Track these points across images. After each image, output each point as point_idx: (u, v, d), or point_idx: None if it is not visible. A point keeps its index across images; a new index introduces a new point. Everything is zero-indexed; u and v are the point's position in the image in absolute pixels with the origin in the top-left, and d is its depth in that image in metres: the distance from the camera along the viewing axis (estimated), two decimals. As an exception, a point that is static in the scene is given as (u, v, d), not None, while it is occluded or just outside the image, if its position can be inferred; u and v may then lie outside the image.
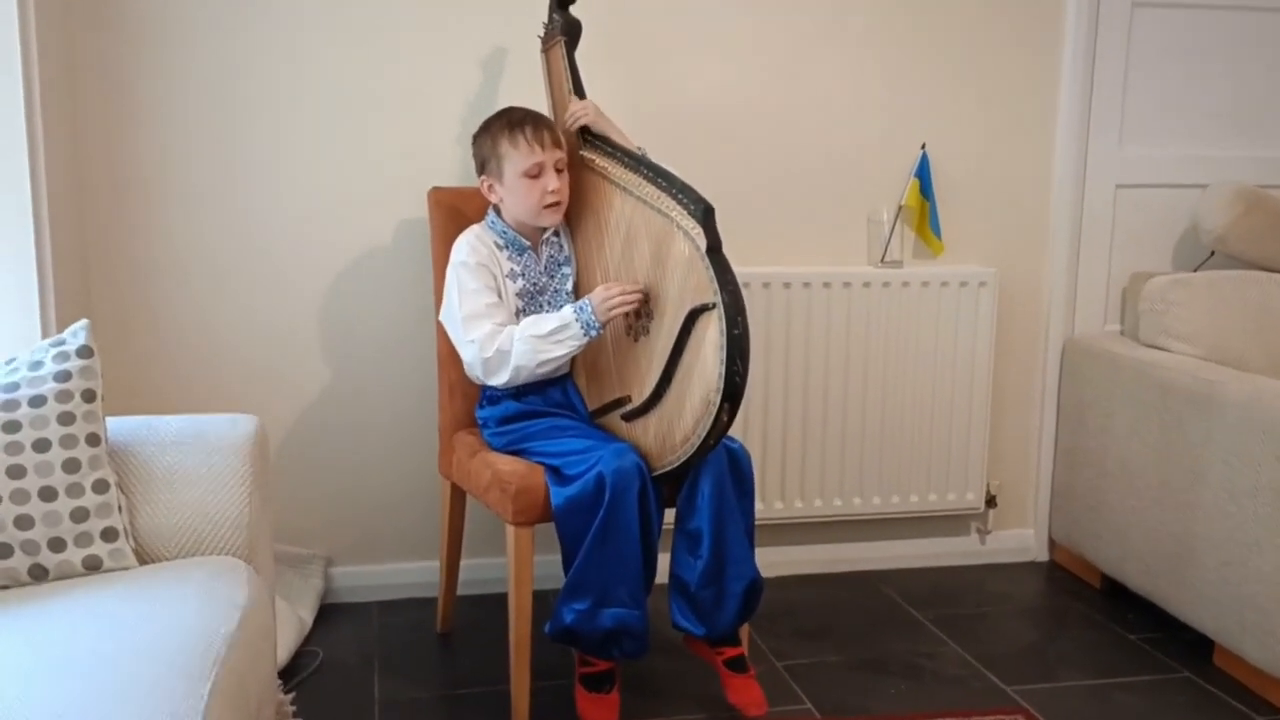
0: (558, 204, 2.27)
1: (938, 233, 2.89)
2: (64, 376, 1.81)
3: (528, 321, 2.22)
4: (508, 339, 2.20)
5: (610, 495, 2.06)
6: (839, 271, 2.83)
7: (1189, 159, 3.02)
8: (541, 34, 2.46)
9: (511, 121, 2.25)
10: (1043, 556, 3.14)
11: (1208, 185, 2.90)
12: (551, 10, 2.44)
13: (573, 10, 2.43)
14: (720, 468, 2.13)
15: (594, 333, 2.17)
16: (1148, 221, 3.03)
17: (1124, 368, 2.76)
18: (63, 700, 1.33)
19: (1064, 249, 3.00)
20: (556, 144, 2.26)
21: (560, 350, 2.18)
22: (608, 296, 2.16)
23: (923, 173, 2.86)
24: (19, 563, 1.72)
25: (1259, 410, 2.33)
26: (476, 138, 2.31)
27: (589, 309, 2.17)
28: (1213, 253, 2.92)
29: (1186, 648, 2.58)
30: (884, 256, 2.88)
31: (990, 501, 3.05)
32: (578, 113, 2.34)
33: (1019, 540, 3.13)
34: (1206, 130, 3.03)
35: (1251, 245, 2.83)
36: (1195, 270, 2.94)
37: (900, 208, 2.88)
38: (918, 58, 2.88)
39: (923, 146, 2.87)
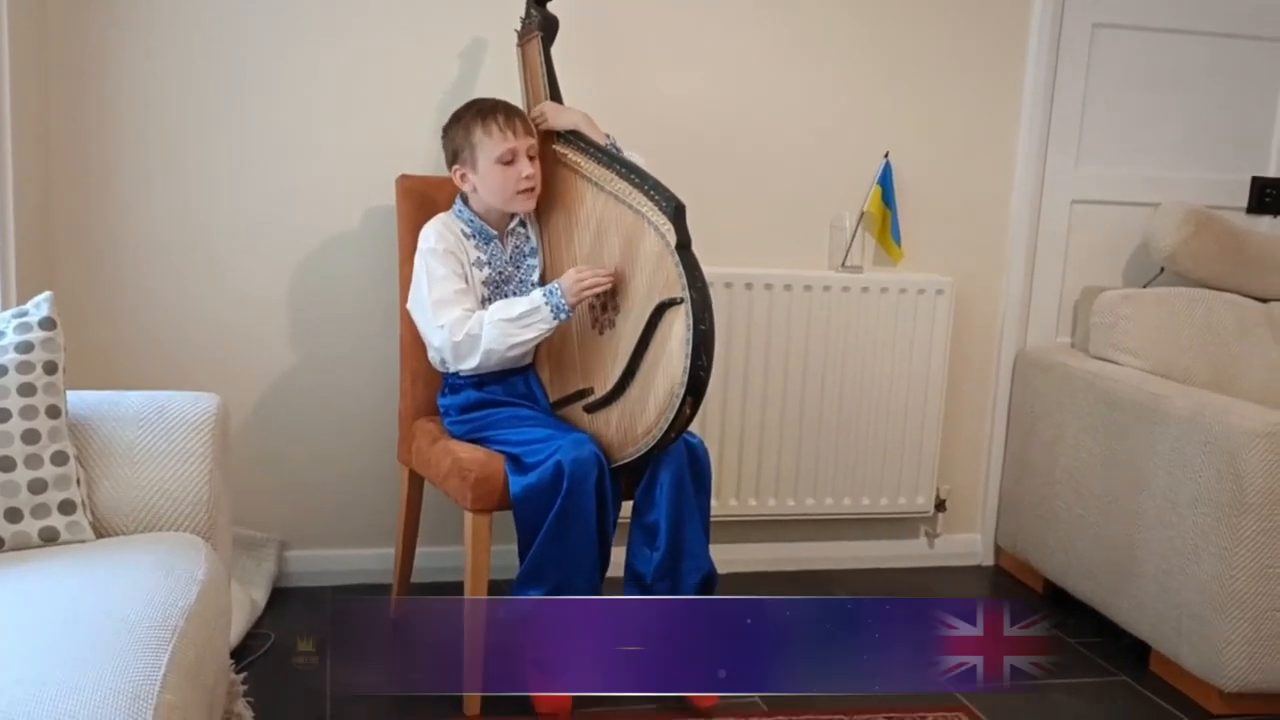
0: (532, 189, 2.29)
1: (898, 240, 2.94)
2: (25, 347, 1.80)
3: (497, 305, 2.24)
4: (477, 323, 2.21)
5: (568, 484, 2.08)
6: (800, 274, 2.88)
7: (1143, 178, 3.10)
8: (518, 28, 2.48)
9: (483, 110, 2.27)
10: (989, 561, 3.20)
11: (1160, 204, 2.97)
12: (529, 5, 2.46)
13: (550, 7, 2.46)
14: (680, 462, 2.16)
15: (563, 315, 2.19)
16: (1101, 238, 3.11)
17: (1073, 379, 2.83)
18: (20, 666, 1.33)
19: (1020, 261, 3.07)
20: (528, 131, 2.29)
21: (530, 334, 2.20)
22: (579, 279, 2.18)
23: (885, 180, 2.92)
24: (-26, 532, 1.72)
25: (1201, 424, 2.40)
26: (447, 128, 2.33)
27: (559, 292, 2.19)
28: (1162, 270, 3.00)
29: (1125, 653, 2.65)
30: (845, 261, 2.93)
31: (940, 506, 3.11)
32: (535, 118, 2.36)
33: (966, 544, 3.20)
34: (1161, 151, 3.11)
35: (1200, 264, 2.91)
36: (1145, 286, 3.02)
37: (862, 214, 2.94)
38: (885, 70, 2.93)
39: (886, 155, 2.92)
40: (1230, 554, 2.33)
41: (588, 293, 2.18)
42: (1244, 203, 3.17)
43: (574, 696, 2.21)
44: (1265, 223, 3.17)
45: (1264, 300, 2.95)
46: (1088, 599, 2.77)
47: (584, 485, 2.08)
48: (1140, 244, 3.07)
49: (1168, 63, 3.07)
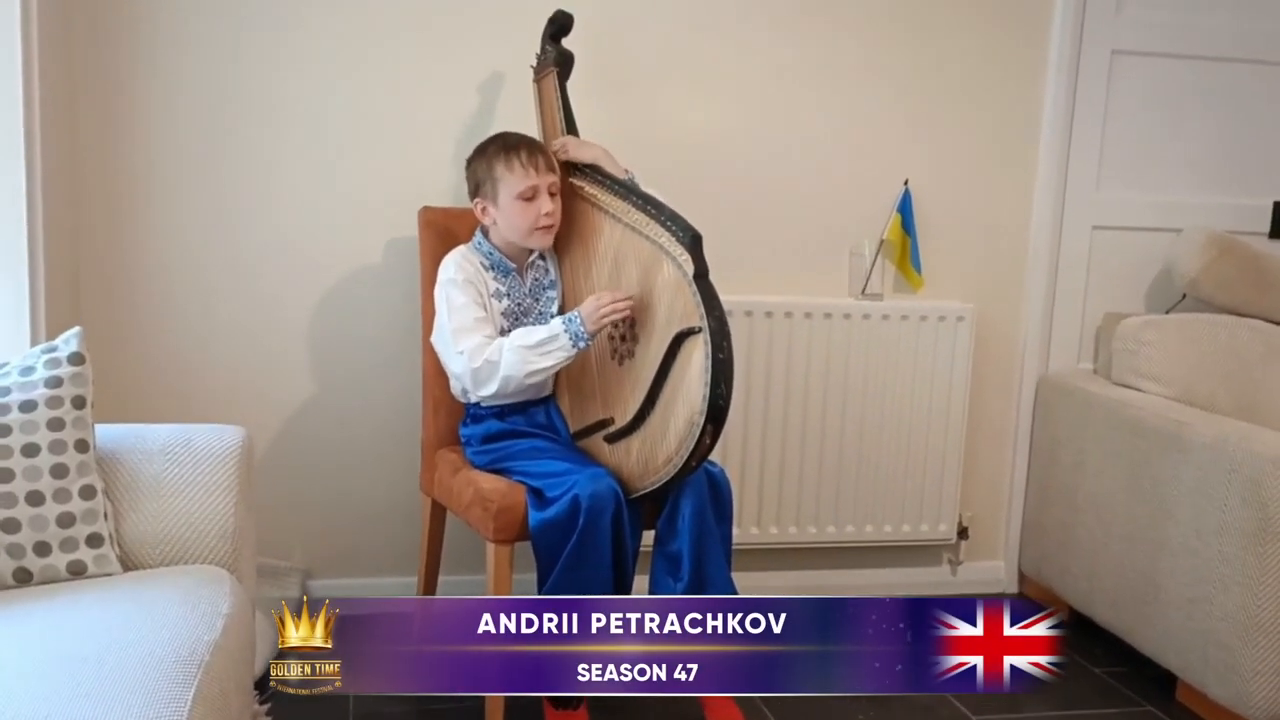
0: (551, 226, 2.31)
1: (918, 267, 2.94)
2: (55, 383, 1.83)
3: (517, 333, 2.25)
4: (496, 350, 2.23)
5: (584, 519, 2.09)
6: (820, 302, 2.88)
7: (1164, 204, 3.09)
8: (534, 64, 2.51)
9: (507, 145, 2.29)
10: (1012, 589, 3.19)
11: (1182, 230, 2.96)
12: (544, 42, 2.49)
13: (565, 43, 2.48)
14: (701, 491, 2.17)
15: (583, 344, 2.20)
16: (1122, 263, 3.10)
17: (1096, 406, 2.82)
18: (47, 701, 1.35)
19: (1040, 288, 3.07)
20: (550, 168, 2.31)
21: (549, 361, 2.21)
22: (598, 305, 2.19)
23: (905, 208, 2.92)
24: (4, 566, 1.74)
25: (1226, 451, 2.39)
26: (471, 161, 2.35)
27: (578, 320, 2.20)
28: (1185, 296, 2.99)
29: (1150, 683, 2.63)
30: (865, 289, 2.94)
31: (962, 533, 3.10)
32: (557, 150, 2.38)
33: (989, 572, 3.18)
34: (1182, 176, 3.11)
35: (1222, 290, 2.90)
36: (1167, 312, 3.00)
37: (882, 242, 2.94)
38: (903, 97, 2.95)
39: (905, 183, 2.93)
40: (1257, 583, 2.31)
41: (607, 320, 2.19)
42: (1266, 228, 3.16)
43: (588, 704, 2.20)
44: (1288, 247, 3.16)
45: (1288, 325, 2.94)
46: (1112, 627, 2.75)
47: (600, 520, 2.09)
48: (1162, 270, 3.07)
49: (1187, 89, 3.07)
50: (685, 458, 2.10)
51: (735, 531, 2.39)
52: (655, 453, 2.15)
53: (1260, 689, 2.31)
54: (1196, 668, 2.45)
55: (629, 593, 2.18)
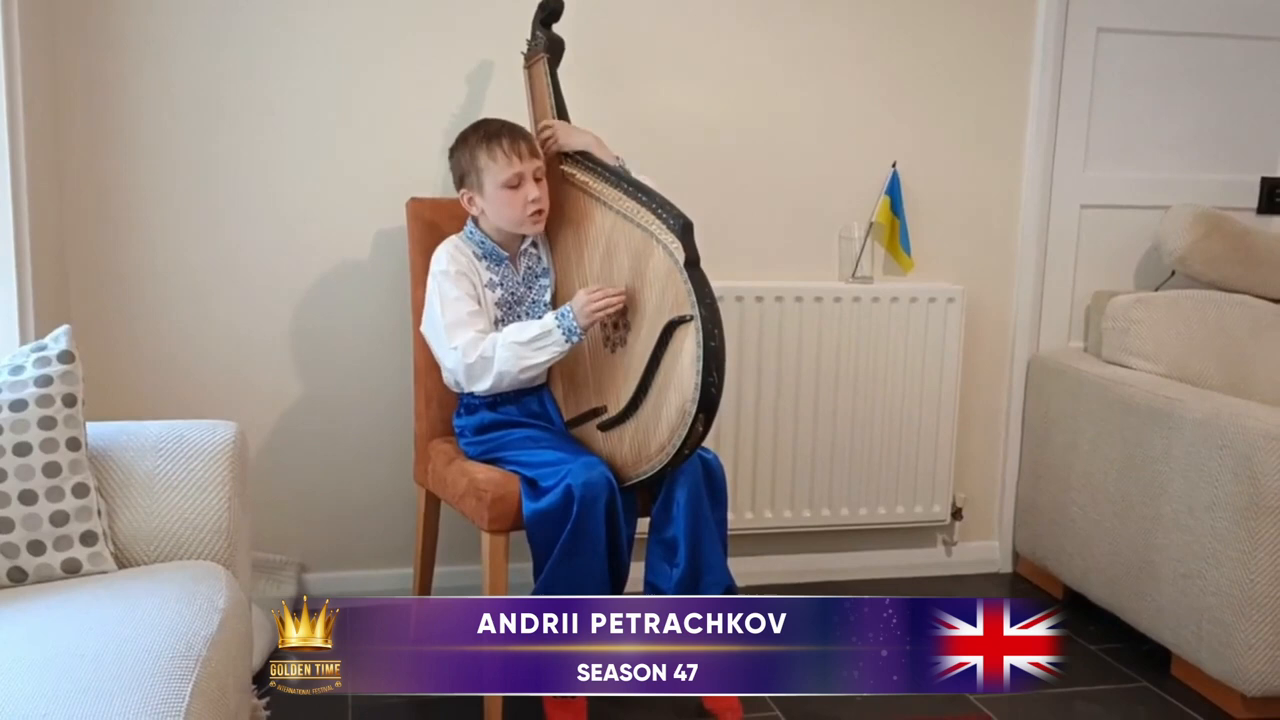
0: (540, 211, 2.30)
1: (908, 250, 2.94)
2: (45, 381, 1.82)
3: (510, 328, 2.25)
4: (490, 345, 2.23)
5: (578, 508, 2.09)
6: (811, 286, 2.88)
7: (1152, 181, 3.10)
8: (525, 50, 2.50)
9: (488, 133, 2.28)
10: (1007, 568, 3.20)
11: (1170, 207, 2.97)
12: (535, 28, 2.48)
13: (556, 29, 2.47)
14: (695, 477, 2.17)
15: (575, 338, 2.20)
16: (1111, 241, 3.11)
17: (1087, 384, 2.83)
18: (45, 698, 1.35)
19: (1030, 267, 3.07)
20: (534, 153, 2.30)
21: (542, 356, 2.21)
22: (590, 300, 2.18)
23: (893, 190, 2.92)
24: (-2, 565, 1.74)
25: (1216, 427, 2.40)
26: (454, 151, 2.34)
27: (570, 315, 2.20)
28: (1173, 273, 3.00)
29: (1145, 659, 2.64)
30: (855, 272, 2.94)
31: (956, 514, 3.11)
32: (546, 140, 2.37)
33: (984, 552, 3.20)
34: (1169, 153, 3.11)
35: (1211, 266, 2.91)
36: (1156, 290, 3.01)
37: (871, 224, 2.94)
38: (891, 80, 2.94)
39: (894, 165, 2.93)
40: (1249, 557, 2.32)
41: (599, 314, 2.19)
42: (1254, 204, 3.17)
43: (592, 713, 2.21)
44: (1276, 223, 3.17)
45: (1276, 301, 2.94)
46: (1108, 605, 2.76)
47: (594, 508, 2.09)
48: (1151, 247, 3.07)
49: (1173, 65, 3.07)
50: (678, 446, 2.11)
51: (730, 516, 2.40)
52: (648, 441, 2.15)
53: (1254, 663, 2.33)
54: (1191, 643, 2.47)
55: (625, 580, 2.18)
